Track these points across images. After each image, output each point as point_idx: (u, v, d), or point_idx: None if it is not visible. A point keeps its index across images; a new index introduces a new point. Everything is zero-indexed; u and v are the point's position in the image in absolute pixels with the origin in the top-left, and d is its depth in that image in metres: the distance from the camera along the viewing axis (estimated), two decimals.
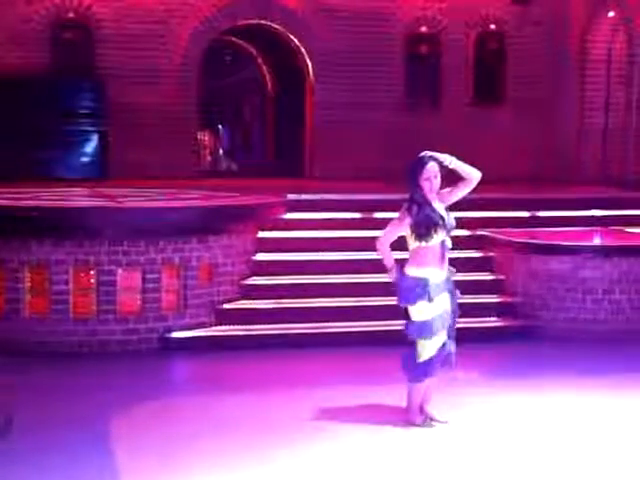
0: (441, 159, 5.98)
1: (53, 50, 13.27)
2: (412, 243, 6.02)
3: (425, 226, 5.93)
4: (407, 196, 6.04)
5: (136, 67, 13.38)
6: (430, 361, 6.05)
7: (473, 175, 6.04)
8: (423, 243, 5.96)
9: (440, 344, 6.06)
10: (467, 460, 5.59)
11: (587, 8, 12.94)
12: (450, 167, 5.99)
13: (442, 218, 6.00)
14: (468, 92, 14.47)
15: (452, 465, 5.50)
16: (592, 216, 10.48)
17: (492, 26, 14.44)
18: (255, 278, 9.06)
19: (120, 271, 8.11)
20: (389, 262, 6.12)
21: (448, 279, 6.09)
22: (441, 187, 6.05)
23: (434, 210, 5.99)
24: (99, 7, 13.36)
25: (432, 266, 5.99)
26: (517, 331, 8.90)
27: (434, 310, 6.00)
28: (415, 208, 5.96)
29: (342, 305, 8.87)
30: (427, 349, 6.04)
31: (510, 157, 13.34)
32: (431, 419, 6.19)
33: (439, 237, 5.97)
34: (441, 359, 6.12)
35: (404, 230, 6.04)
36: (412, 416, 6.15)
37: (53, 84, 12.98)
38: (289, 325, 8.60)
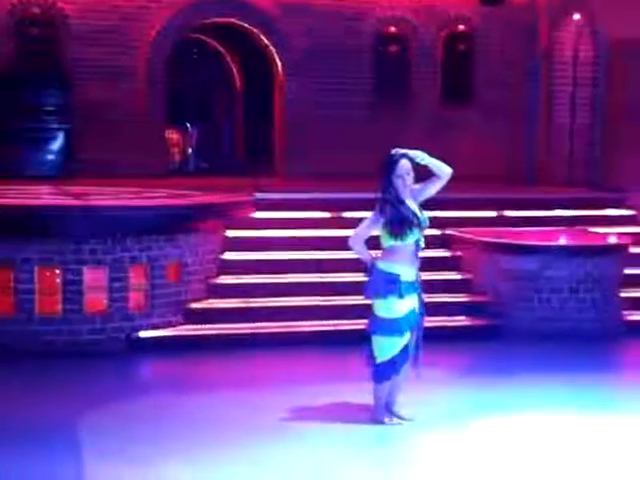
0: (412, 155, 5.99)
1: (18, 46, 13.12)
2: (386, 241, 6.02)
3: (399, 224, 5.94)
4: (379, 195, 6.05)
5: (102, 64, 13.25)
6: (394, 360, 6.05)
7: (444, 171, 6.06)
8: (398, 242, 5.96)
9: (404, 344, 6.07)
10: (433, 458, 5.60)
11: (554, 10, 13.04)
12: (422, 164, 6.00)
13: (416, 216, 6.01)
14: (437, 92, 14.51)
15: (418, 463, 5.51)
16: (558, 216, 10.57)
17: (461, 27, 14.50)
18: (223, 277, 9.02)
19: (86, 270, 8.04)
20: (367, 257, 6.12)
21: (417, 280, 6.11)
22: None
23: (408, 208, 6.00)
24: (65, 3, 13.22)
25: (404, 264, 5.99)
26: (484, 330, 8.94)
27: (403, 308, 6.00)
28: (388, 207, 5.97)
29: (311, 304, 8.86)
30: (391, 347, 6.03)
31: (478, 157, 13.39)
32: (398, 417, 6.20)
33: (414, 236, 5.97)
34: (405, 358, 6.12)
35: (377, 229, 6.04)
36: (379, 414, 6.15)
37: (18, 81, 12.81)
38: (258, 324, 8.58)
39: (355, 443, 5.86)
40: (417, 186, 6.10)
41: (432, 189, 6.13)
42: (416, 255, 6.04)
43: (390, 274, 5.97)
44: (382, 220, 5.98)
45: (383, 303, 6.02)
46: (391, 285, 5.96)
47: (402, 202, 5.99)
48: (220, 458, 5.55)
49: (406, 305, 6.02)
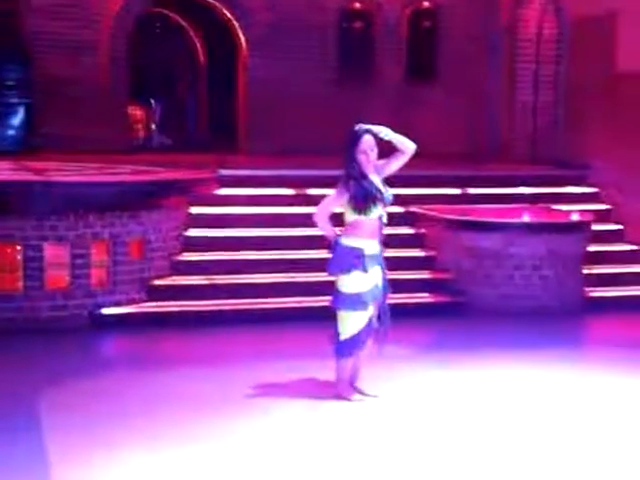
0: (376, 131, 5.99)
1: None
2: (349, 216, 6.03)
3: (363, 200, 5.95)
4: (343, 170, 6.05)
5: (64, 38, 13.05)
6: (358, 335, 6.08)
7: (408, 147, 6.07)
8: (362, 217, 5.97)
9: (368, 318, 6.09)
10: (396, 434, 5.64)
11: None
12: (385, 139, 6.01)
13: (380, 191, 6.01)
14: (401, 69, 14.49)
15: (381, 439, 5.55)
16: (521, 193, 10.64)
17: (426, 3, 14.47)
18: (187, 254, 8.98)
19: (47, 246, 7.95)
20: (331, 234, 6.13)
21: (380, 254, 6.13)
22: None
23: (371, 183, 6.00)
24: None
25: (367, 238, 6.01)
26: (448, 307, 9.00)
27: (367, 282, 6.02)
28: (352, 182, 5.97)
29: (274, 281, 8.85)
30: (355, 322, 6.05)
31: (442, 134, 13.41)
32: (361, 393, 6.23)
33: (377, 211, 5.99)
34: (369, 334, 6.15)
35: (341, 204, 6.05)
36: (342, 390, 6.18)
37: None
38: (221, 301, 8.56)
39: (319, 419, 5.88)
40: (381, 162, 6.11)
41: (395, 165, 6.14)
42: (379, 230, 6.05)
43: (353, 249, 5.99)
44: (346, 195, 5.99)
45: (347, 278, 6.03)
46: (355, 260, 5.97)
47: (365, 177, 5.99)
48: (182, 434, 5.53)
49: (371, 279, 6.03)
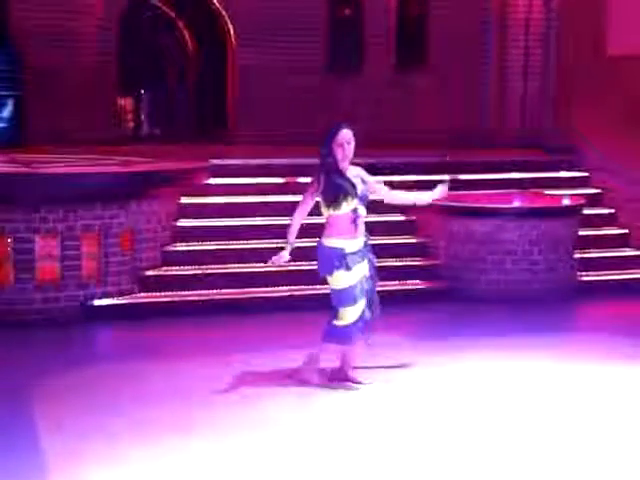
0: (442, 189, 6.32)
1: None
2: (323, 211, 6.04)
3: (333, 194, 5.93)
4: (318, 163, 6.03)
5: (53, 29, 12.96)
6: (352, 326, 6.07)
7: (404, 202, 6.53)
8: (331, 211, 5.95)
9: (361, 310, 6.08)
10: (390, 421, 5.65)
11: None
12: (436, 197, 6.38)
13: (353, 186, 5.98)
14: (391, 56, 14.45)
15: (376, 426, 5.55)
16: (512, 178, 10.62)
17: None
18: (178, 244, 8.97)
19: (38, 239, 7.93)
20: (290, 237, 6.09)
21: (365, 245, 6.10)
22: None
23: (344, 178, 5.97)
24: None
25: (346, 235, 5.98)
26: (440, 293, 9.00)
27: (352, 278, 6.00)
28: (323, 176, 5.95)
29: (265, 271, 8.81)
30: (348, 316, 6.05)
31: (432, 121, 13.40)
32: (356, 382, 6.24)
33: (349, 206, 5.95)
34: (362, 324, 6.14)
35: (316, 198, 6.03)
36: (306, 374, 6.20)
37: None
38: (212, 291, 8.56)
39: (313, 408, 5.89)
40: (374, 180, 6.17)
41: (380, 197, 6.32)
42: (356, 224, 5.99)
43: (334, 249, 5.97)
44: (316, 187, 5.98)
45: (333, 277, 6.02)
46: (336, 260, 5.96)
47: (339, 171, 5.97)
48: (179, 428, 5.52)
49: (356, 273, 6.02)
